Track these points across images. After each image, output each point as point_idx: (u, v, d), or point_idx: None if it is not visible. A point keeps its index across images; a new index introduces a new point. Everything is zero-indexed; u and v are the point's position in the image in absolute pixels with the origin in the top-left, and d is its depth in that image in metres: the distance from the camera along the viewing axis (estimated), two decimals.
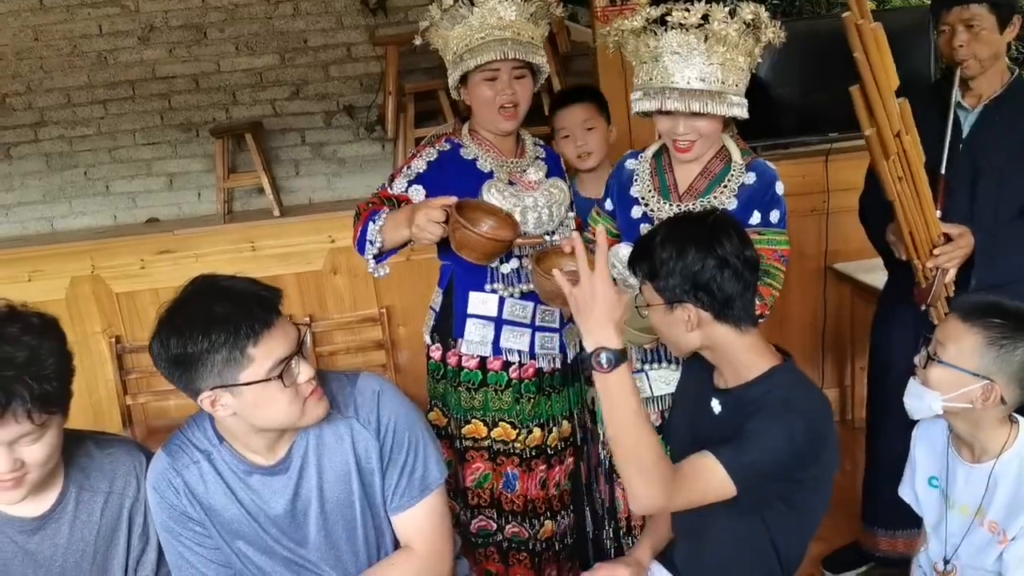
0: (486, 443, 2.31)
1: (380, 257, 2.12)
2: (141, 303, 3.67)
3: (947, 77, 2.34)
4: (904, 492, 1.91)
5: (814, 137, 3.61)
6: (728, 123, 2.02)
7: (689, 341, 1.66)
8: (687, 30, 1.82)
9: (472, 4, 2.09)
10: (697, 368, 1.78)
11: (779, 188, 1.98)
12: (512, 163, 2.25)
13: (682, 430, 1.81)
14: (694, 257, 1.59)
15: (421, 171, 2.18)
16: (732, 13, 1.82)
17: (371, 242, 2.08)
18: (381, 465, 1.63)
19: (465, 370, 2.28)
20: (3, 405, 1.33)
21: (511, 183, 2.21)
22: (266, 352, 1.45)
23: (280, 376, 1.47)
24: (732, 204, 1.96)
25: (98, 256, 3.67)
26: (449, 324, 2.28)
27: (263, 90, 4.12)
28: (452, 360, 2.29)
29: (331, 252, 3.70)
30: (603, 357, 1.43)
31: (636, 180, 2.08)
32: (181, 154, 4.18)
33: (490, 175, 2.20)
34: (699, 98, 1.84)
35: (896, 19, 3.73)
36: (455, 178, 2.18)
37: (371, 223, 2.08)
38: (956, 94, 2.25)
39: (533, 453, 2.33)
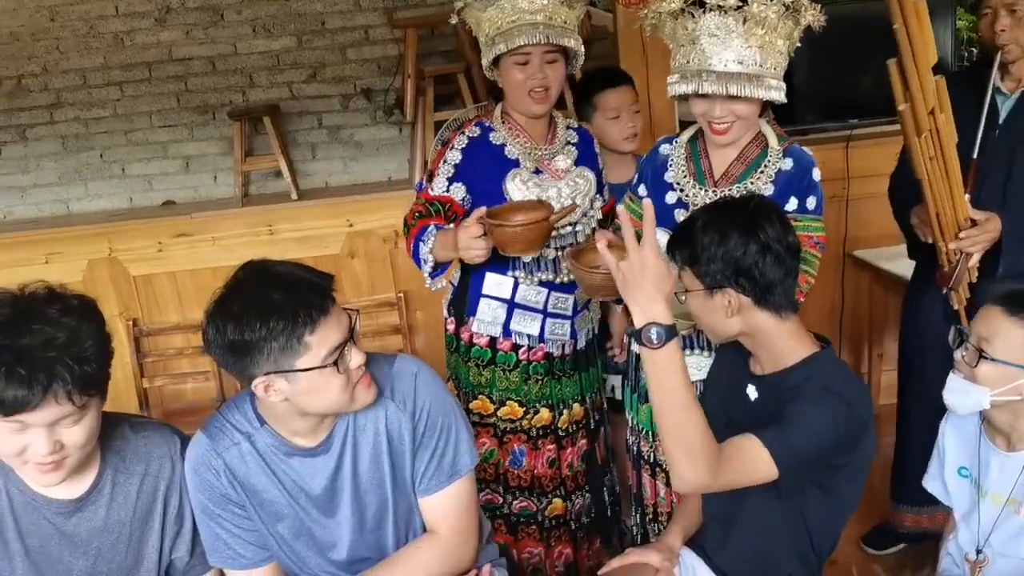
0: (492, 420, 2.35)
1: (435, 272, 2.17)
2: (158, 286, 3.68)
3: (985, 60, 2.33)
4: (931, 484, 1.90)
5: (834, 123, 3.60)
6: (765, 108, 2.01)
7: (728, 327, 1.65)
8: (725, 12, 1.80)
9: None
10: (732, 354, 1.78)
11: (816, 175, 1.96)
12: (541, 150, 2.26)
13: (715, 415, 1.81)
14: (736, 242, 1.58)
15: (457, 162, 2.21)
16: None
17: (424, 261, 2.14)
18: (413, 447, 1.64)
19: (476, 347, 2.32)
20: (44, 386, 1.33)
21: (538, 171, 2.24)
22: (322, 339, 1.46)
23: (335, 363, 1.47)
24: (769, 190, 1.94)
25: (115, 239, 3.69)
26: (464, 301, 2.32)
27: (280, 73, 4.10)
28: (464, 336, 2.33)
29: (348, 236, 3.71)
30: (653, 332, 1.39)
31: (671, 165, 2.06)
32: (197, 137, 4.16)
33: (516, 163, 2.22)
34: (736, 81, 1.82)
35: None
36: (484, 166, 2.21)
37: (421, 244, 2.13)
38: (995, 78, 2.24)
39: (540, 432, 2.37)
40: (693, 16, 1.85)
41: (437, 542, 1.68)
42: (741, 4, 1.80)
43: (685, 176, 2.03)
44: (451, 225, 2.16)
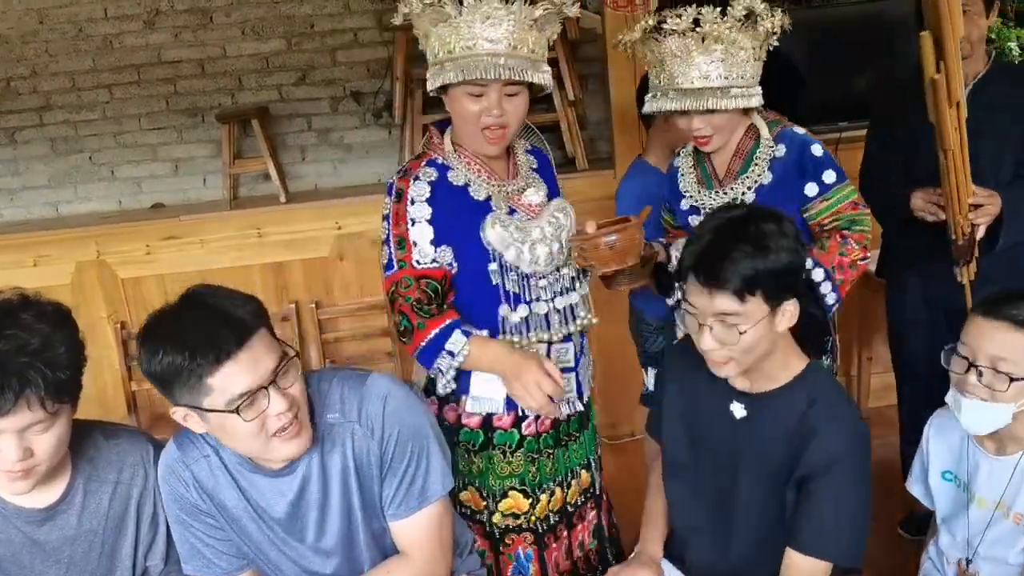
0: (484, 518, 2.01)
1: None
2: (147, 289, 3.68)
3: None
4: (914, 488, 1.90)
5: (824, 126, 3.59)
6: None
7: (772, 346, 1.60)
8: (683, 34, 1.88)
9: (460, 3, 1.76)
10: (692, 367, 1.73)
11: (816, 149, 2.03)
12: (508, 185, 1.94)
13: (679, 432, 1.79)
14: (798, 246, 1.56)
15: (429, 217, 1.86)
16: (724, 12, 1.87)
17: (441, 371, 1.86)
18: (380, 472, 1.60)
19: (464, 429, 1.98)
20: (16, 392, 1.33)
21: (512, 210, 1.93)
22: (225, 383, 1.40)
23: (238, 410, 1.40)
24: (767, 179, 2.02)
25: (104, 241, 3.68)
26: (444, 382, 1.93)
27: (269, 75, 4.08)
28: (449, 416, 1.99)
29: (338, 238, 3.70)
30: None
31: (681, 175, 2.17)
32: (187, 139, 4.15)
33: (487, 204, 1.90)
34: (702, 96, 1.90)
35: (888, 8, 3.73)
36: (456, 216, 1.88)
37: (445, 355, 1.82)
38: None
39: (553, 522, 2.04)
40: (656, 40, 1.93)
41: (407, 565, 1.65)
42: (693, 26, 1.87)
43: (693, 182, 2.13)
44: (478, 331, 1.85)
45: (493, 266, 1.89)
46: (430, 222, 1.85)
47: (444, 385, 1.89)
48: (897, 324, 2.73)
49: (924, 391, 2.20)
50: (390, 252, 1.87)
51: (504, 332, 1.92)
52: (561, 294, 1.97)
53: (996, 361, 1.58)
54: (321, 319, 3.74)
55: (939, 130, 2.10)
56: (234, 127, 3.95)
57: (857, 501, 1.60)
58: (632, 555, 1.88)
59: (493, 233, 1.88)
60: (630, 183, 2.72)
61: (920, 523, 2.71)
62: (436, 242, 1.85)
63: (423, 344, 1.82)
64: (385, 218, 1.89)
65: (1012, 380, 1.56)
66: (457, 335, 1.82)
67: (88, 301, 3.63)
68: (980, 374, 1.59)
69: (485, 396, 1.94)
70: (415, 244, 1.85)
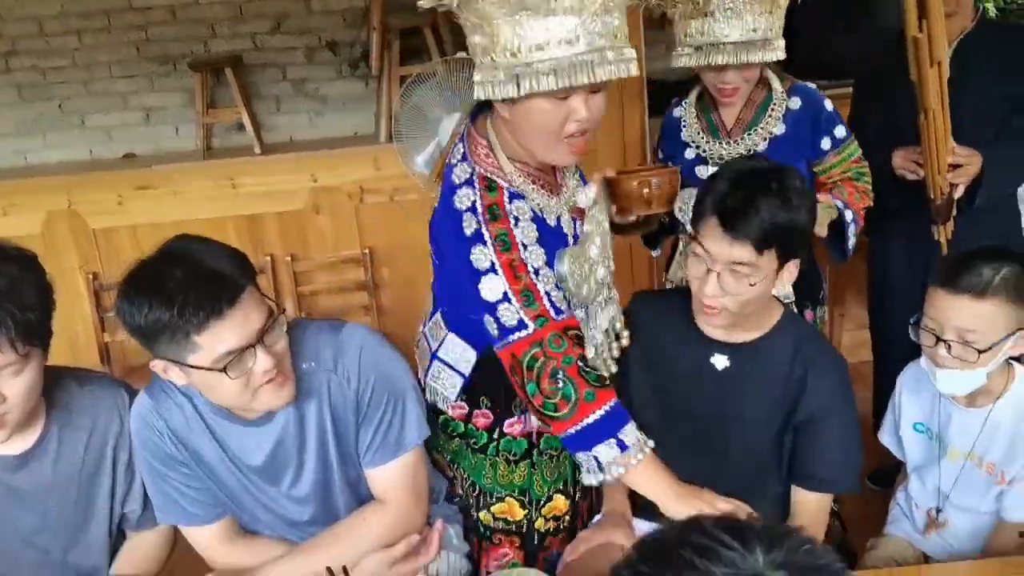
0: (522, 528, 1.85)
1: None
2: (119, 239, 3.63)
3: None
4: (885, 438, 1.94)
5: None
6: None
7: (765, 302, 1.65)
8: None
9: None
10: (664, 315, 1.74)
11: (828, 105, 2.12)
12: (563, 198, 1.68)
13: (648, 393, 1.77)
14: (800, 204, 1.55)
15: (546, 260, 1.55)
16: None
17: (599, 461, 1.50)
18: (357, 420, 1.60)
19: (507, 438, 1.79)
20: None
21: (575, 231, 1.69)
22: (212, 341, 1.37)
23: (225, 368, 1.38)
24: (780, 129, 2.08)
25: (75, 191, 3.61)
26: (498, 387, 1.70)
27: (243, 23, 3.99)
28: (481, 422, 1.79)
29: (313, 191, 3.66)
30: None
31: (684, 125, 2.19)
32: (158, 88, 4.07)
33: (559, 230, 1.64)
34: (750, 49, 1.95)
35: None
36: (549, 252, 1.58)
37: (616, 454, 1.48)
38: None
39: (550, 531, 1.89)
40: None
41: (384, 512, 1.65)
42: None
43: (699, 132, 2.16)
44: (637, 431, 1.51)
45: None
46: (550, 266, 1.56)
47: (592, 478, 1.51)
48: (878, 281, 2.76)
49: (901, 348, 2.22)
50: (517, 312, 1.50)
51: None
52: (603, 308, 1.74)
53: (963, 333, 1.60)
54: (296, 272, 3.71)
55: (920, 89, 2.11)
56: (207, 76, 3.88)
57: (855, 435, 1.69)
58: (599, 516, 1.84)
59: (571, 275, 1.58)
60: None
61: (890, 475, 2.77)
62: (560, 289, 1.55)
63: (589, 420, 1.46)
64: (487, 272, 1.52)
65: (980, 352, 1.59)
66: (631, 428, 1.49)
67: (59, 252, 3.58)
68: (949, 347, 1.62)
69: None
70: (548, 296, 1.52)
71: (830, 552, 0.72)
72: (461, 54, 3.18)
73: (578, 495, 1.93)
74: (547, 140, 1.52)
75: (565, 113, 1.48)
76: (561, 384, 1.46)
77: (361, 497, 1.70)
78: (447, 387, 1.78)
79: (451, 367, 1.77)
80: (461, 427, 1.82)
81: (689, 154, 2.17)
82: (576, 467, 1.67)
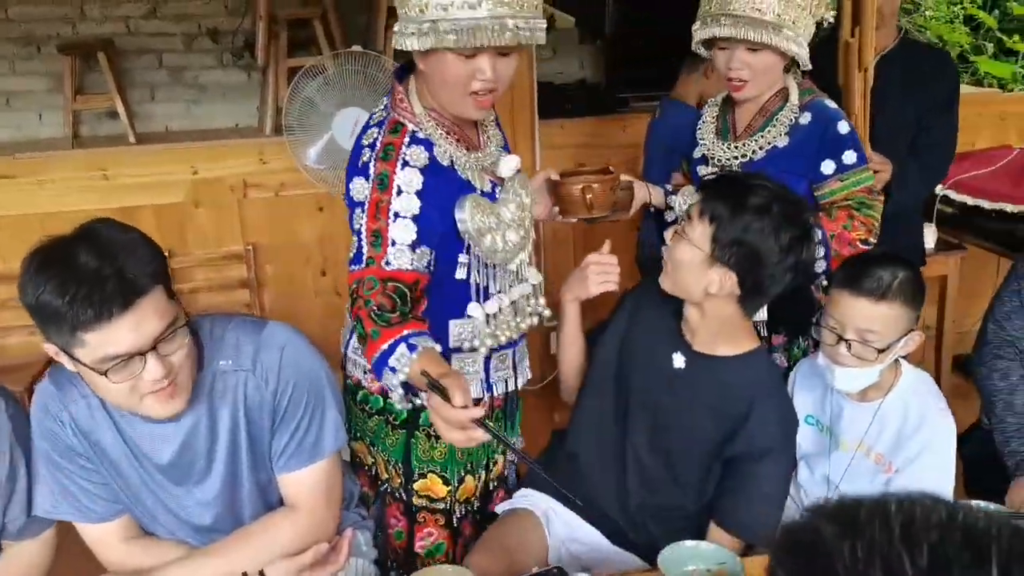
0: (444, 504, 1.87)
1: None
2: None
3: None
4: None
5: None
6: (791, 67, 2.01)
7: (695, 293, 1.66)
8: None
9: None
10: (654, 303, 1.78)
11: (842, 127, 1.97)
12: (483, 158, 1.71)
13: (609, 364, 1.83)
14: (778, 249, 1.57)
15: (415, 214, 1.59)
16: None
17: (391, 388, 1.57)
18: (272, 424, 1.54)
19: (427, 411, 1.70)
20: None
21: (492, 188, 1.72)
22: (99, 342, 1.28)
23: (106, 372, 1.31)
24: (783, 142, 1.98)
25: None
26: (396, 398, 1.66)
27: (116, 6, 3.80)
28: (405, 405, 1.71)
29: (193, 184, 3.51)
30: None
31: (701, 122, 2.14)
32: (20, 71, 3.81)
33: (470, 186, 1.68)
34: (753, 26, 1.85)
35: None
36: (440, 204, 1.62)
37: (389, 372, 1.52)
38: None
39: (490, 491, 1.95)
40: None
41: (295, 519, 1.59)
42: None
43: (710, 131, 2.10)
44: (429, 342, 1.53)
45: (463, 257, 1.67)
46: (415, 219, 1.59)
47: (399, 401, 1.59)
48: None
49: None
50: (360, 245, 1.60)
51: (480, 298, 1.73)
52: (518, 282, 1.78)
53: (863, 334, 1.69)
54: (174, 268, 3.54)
55: (845, 93, 2.18)
56: (76, 60, 3.66)
57: (783, 491, 1.71)
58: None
59: (473, 221, 1.64)
60: (661, 122, 2.76)
61: None
62: (416, 244, 1.60)
63: (375, 357, 1.55)
64: (359, 205, 1.60)
65: (880, 351, 1.69)
66: (401, 349, 1.53)
67: None
68: (850, 346, 1.70)
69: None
70: (393, 243, 1.58)
71: None
72: (357, 47, 3.15)
73: (492, 483, 1.95)
74: (453, 93, 1.59)
75: (471, 71, 1.56)
76: (357, 323, 1.58)
77: (270, 503, 1.64)
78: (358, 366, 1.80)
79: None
80: (380, 402, 1.80)
81: (697, 153, 2.13)
82: (489, 449, 1.87)
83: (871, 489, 1.79)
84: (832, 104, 2.02)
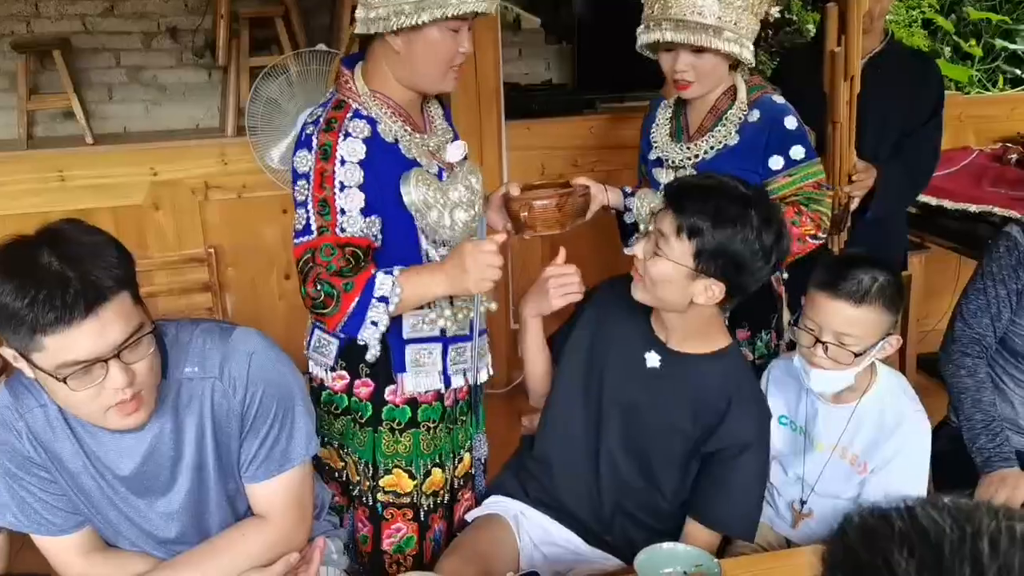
0: (410, 499, 1.88)
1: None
2: None
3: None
4: None
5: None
6: (738, 65, 2.02)
7: (679, 305, 1.65)
8: None
9: None
10: (621, 304, 1.76)
11: (790, 123, 1.99)
12: (428, 140, 1.79)
13: (580, 359, 1.82)
14: (760, 252, 1.57)
15: (361, 182, 1.65)
16: None
17: (375, 324, 1.64)
18: (240, 432, 1.49)
19: (389, 406, 1.82)
20: None
21: (440, 171, 1.79)
22: (59, 346, 1.24)
23: (65, 379, 1.26)
24: (734, 140, 2.00)
25: None
26: (382, 354, 1.75)
27: (72, 3, 3.71)
28: (363, 393, 1.81)
29: (153, 185, 3.44)
30: None
31: (655, 125, 2.14)
32: None
33: (412, 162, 1.74)
34: (694, 31, 1.86)
35: None
36: (386, 178, 1.69)
37: (376, 303, 1.62)
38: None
39: (458, 488, 1.97)
40: None
41: (265, 529, 1.55)
42: None
43: (664, 133, 2.10)
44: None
45: (416, 236, 1.74)
46: (361, 187, 1.65)
47: (372, 354, 1.69)
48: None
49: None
50: (308, 216, 1.65)
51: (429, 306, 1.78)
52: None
53: (840, 336, 1.69)
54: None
55: (831, 101, 2.17)
56: (31, 59, 3.57)
57: (760, 484, 1.72)
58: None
59: (417, 192, 1.70)
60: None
61: None
62: (367, 212, 1.66)
63: (353, 306, 1.61)
64: (304, 176, 1.66)
65: (856, 355, 1.69)
66: (381, 277, 1.62)
67: None
68: (826, 348, 1.70)
69: (424, 370, 1.80)
70: (342, 211, 1.64)
71: None
72: (321, 46, 3.11)
73: (458, 481, 1.96)
74: (439, 69, 1.70)
75: (456, 45, 1.69)
76: (321, 286, 1.61)
77: (238, 514, 1.59)
78: (326, 354, 1.82)
79: (328, 332, 1.80)
80: (344, 401, 1.81)
81: (652, 155, 2.13)
82: (456, 442, 1.90)
83: (846, 488, 1.79)
84: (780, 99, 2.04)
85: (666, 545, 1.51)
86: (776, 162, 1.98)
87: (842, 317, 1.67)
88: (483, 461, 2.09)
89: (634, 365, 1.74)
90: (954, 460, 2.03)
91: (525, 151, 3.53)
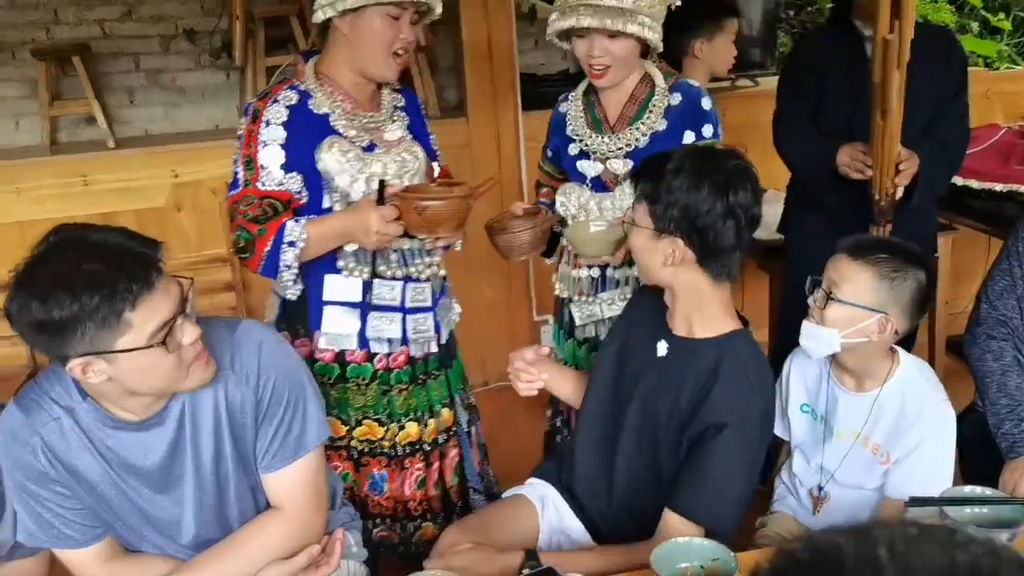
0: (344, 442, 2.08)
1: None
2: None
3: (844, 7, 2.50)
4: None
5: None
6: (649, 52, 2.06)
7: (662, 274, 1.66)
8: None
9: None
10: (652, 302, 1.77)
11: (706, 103, 2.06)
12: (368, 119, 1.98)
13: (608, 365, 1.82)
14: (704, 197, 1.56)
15: (283, 142, 1.87)
16: None
17: (287, 267, 1.84)
18: (255, 421, 1.52)
19: (319, 363, 2.02)
20: None
21: (371, 145, 1.97)
22: (146, 316, 1.31)
23: (164, 342, 1.32)
24: (662, 126, 2.04)
25: None
26: (301, 312, 2.00)
27: (90, 9, 3.73)
28: (301, 350, 1.99)
29: (174, 187, 3.48)
30: None
31: (569, 120, 2.13)
32: None
33: (339, 134, 1.93)
34: (610, 15, 1.88)
35: None
36: (309, 141, 1.89)
37: (285, 248, 1.81)
38: (861, 27, 2.43)
39: (407, 451, 2.12)
40: None
41: (283, 520, 1.57)
42: None
43: (583, 126, 2.10)
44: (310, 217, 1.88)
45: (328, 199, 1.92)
46: (283, 146, 1.86)
47: (292, 293, 1.92)
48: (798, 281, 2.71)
49: None
50: (237, 171, 1.89)
51: (361, 263, 1.98)
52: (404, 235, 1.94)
53: (831, 285, 1.70)
54: None
55: (882, 90, 2.10)
56: (51, 65, 3.60)
57: (739, 470, 1.60)
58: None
59: (329, 156, 1.89)
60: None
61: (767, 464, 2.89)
62: (287, 168, 1.86)
63: (267, 249, 1.81)
64: (239, 138, 1.90)
65: (829, 299, 1.69)
66: (290, 224, 1.82)
67: None
68: (817, 293, 1.72)
69: (338, 332, 1.98)
70: (263, 167, 1.86)
71: None
72: None
73: (441, 436, 2.16)
74: (379, 54, 1.88)
75: (396, 32, 1.86)
76: (239, 232, 1.83)
77: (259, 507, 1.61)
78: (270, 314, 2.06)
79: (275, 293, 2.04)
80: (337, 370, 2.04)
81: (572, 149, 2.13)
82: (430, 398, 2.13)
83: (869, 479, 1.77)
84: (695, 82, 2.12)
85: (682, 539, 1.49)
86: (688, 137, 2.05)
87: (840, 268, 1.70)
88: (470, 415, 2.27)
89: (648, 355, 1.74)
90: (981, 446, 1.99)
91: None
